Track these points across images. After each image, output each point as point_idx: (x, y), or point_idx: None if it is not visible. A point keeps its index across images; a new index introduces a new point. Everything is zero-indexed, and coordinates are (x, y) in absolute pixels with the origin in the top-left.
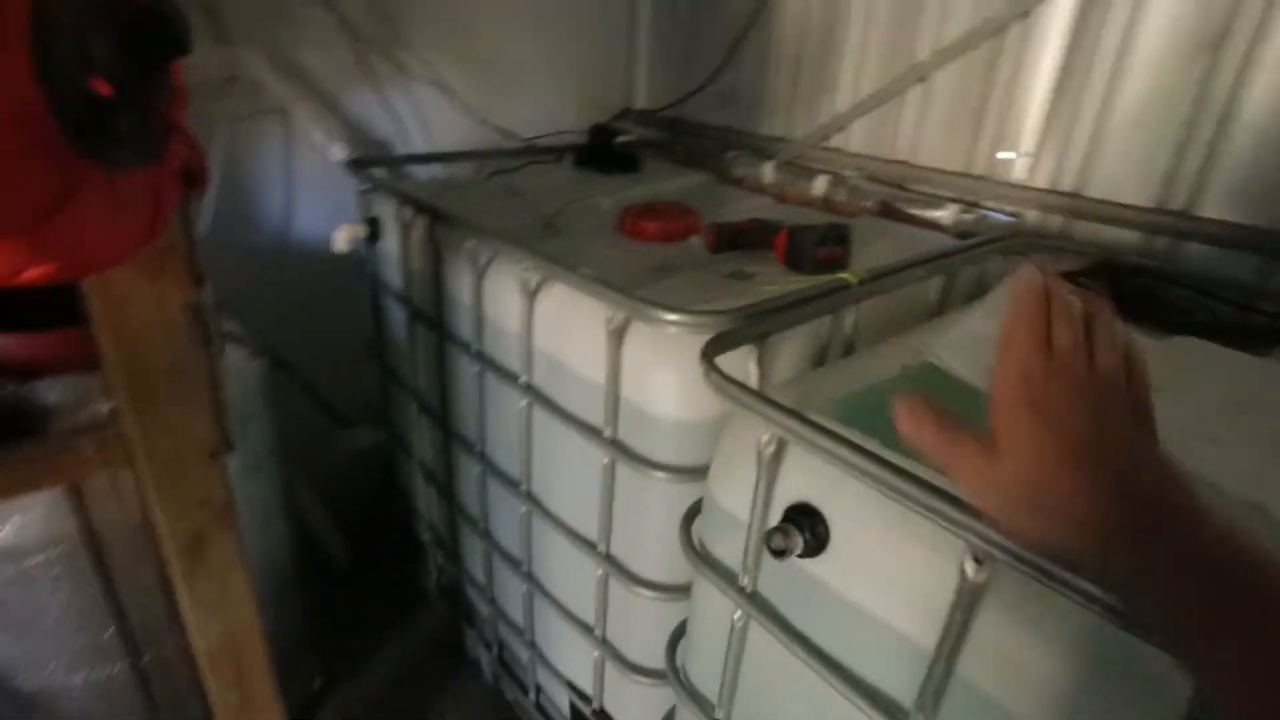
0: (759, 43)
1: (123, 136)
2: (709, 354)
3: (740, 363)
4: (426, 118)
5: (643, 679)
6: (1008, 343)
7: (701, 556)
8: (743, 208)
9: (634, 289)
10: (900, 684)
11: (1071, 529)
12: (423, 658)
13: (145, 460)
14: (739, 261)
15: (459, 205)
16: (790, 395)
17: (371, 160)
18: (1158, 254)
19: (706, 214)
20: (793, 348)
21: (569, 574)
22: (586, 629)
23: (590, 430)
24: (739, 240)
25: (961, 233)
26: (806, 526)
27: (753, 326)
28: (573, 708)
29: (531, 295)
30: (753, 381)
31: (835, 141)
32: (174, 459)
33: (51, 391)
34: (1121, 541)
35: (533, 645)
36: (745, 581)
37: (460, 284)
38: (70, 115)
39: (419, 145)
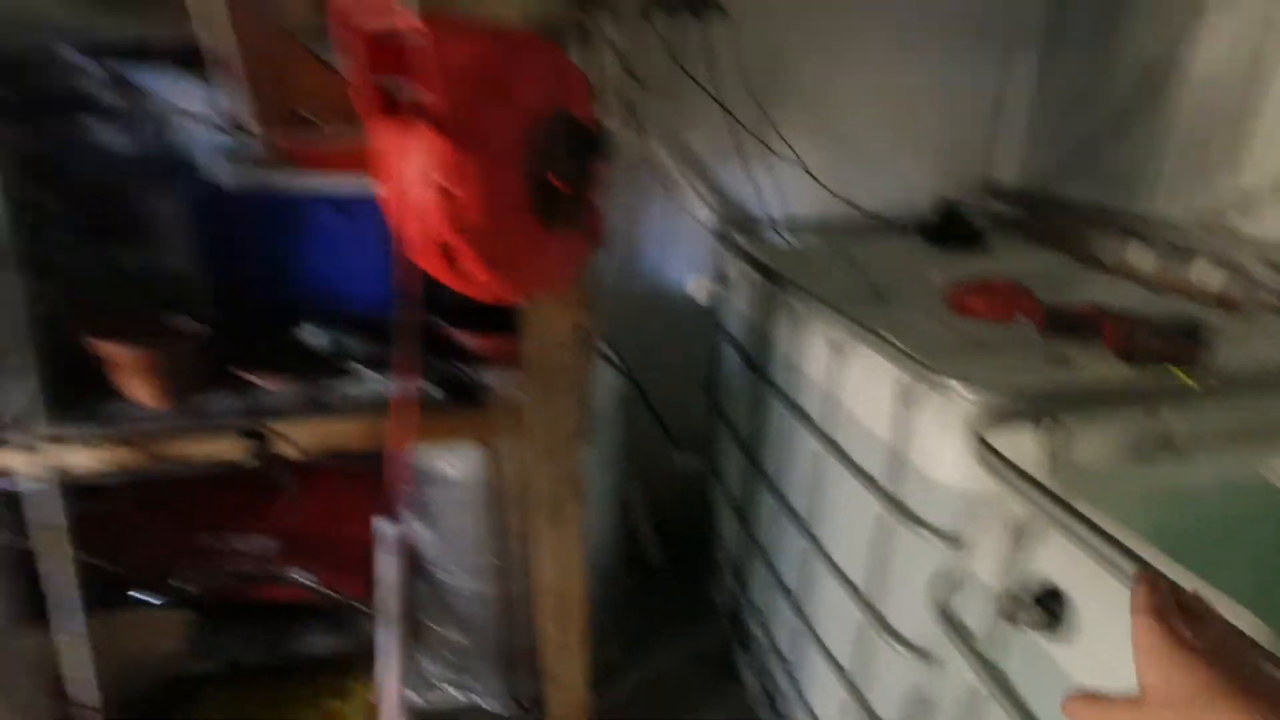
0: (1151, 113)
1: (568, 213)
2: (977, 426)
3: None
4: (785, 189)
5: None
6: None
7: (947, 616)
8: (1098, 292)
9: (943, 360)
10: None
11: None
12: (700, 664)
13: (535, 434)
14: (1068, 347)
15: (795, 268)
16: (1067, 480)
17: (730, 225)
18: None
19: (1052, 296)
20: (1104, 440)
21: (833, 614)
22: (839, 668)
23: (869, 480)
24: (1073, 325)
25: None
26: (1047, 603)
27: (1031, 407)
28: None
29: (838, 351)
30: (1033, 462)
31: (1235, 225)
32: (553, 438)
33: (492, 376)
34: None
35: (791, 677)
36: (984, 647)
37: (781, 335)
38: (539, 200)
39: (777, 214)
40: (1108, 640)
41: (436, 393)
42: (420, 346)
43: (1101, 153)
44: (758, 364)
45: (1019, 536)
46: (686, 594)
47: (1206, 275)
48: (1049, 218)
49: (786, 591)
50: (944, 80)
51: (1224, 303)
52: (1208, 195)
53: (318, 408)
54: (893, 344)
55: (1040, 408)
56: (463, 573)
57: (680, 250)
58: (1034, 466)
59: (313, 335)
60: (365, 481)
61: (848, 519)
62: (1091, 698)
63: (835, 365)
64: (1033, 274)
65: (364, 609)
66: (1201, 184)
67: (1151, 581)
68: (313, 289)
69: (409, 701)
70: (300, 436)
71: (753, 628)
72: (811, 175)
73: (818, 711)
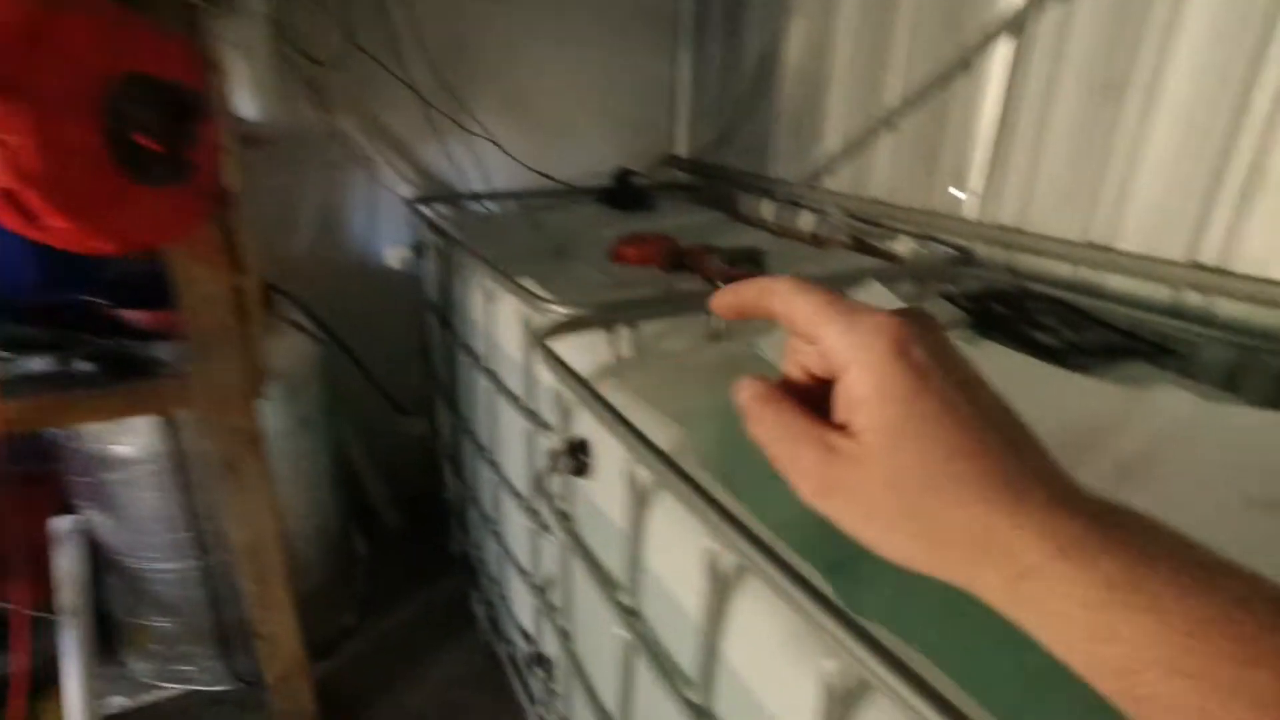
0: (766, 97)
1: (163, 170)
2: (543, 335)
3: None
4: (486, 163)
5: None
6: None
7: (538, 481)
8: (740, 240)
9: (573, 294)
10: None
11: (965, 541)
12: (437, 611)
13: (201, 397)
14: (680, 280)
15: (487, 234)
16: (611, 371)
17: (425, 198)
18: (1082, 285)
19: (702, 244)
20: (672, 345)
21: (516, 529)
22: (525, 573)
23: (513, 398)
24: (684, 262)
25: (916, 264)
26: (578, 454)
27: (595, 316)
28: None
29: (490, 297)
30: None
31: (825, 182)
32: (220, 399)
33: (162, 350)
34: (1049, 550)
35: (503, 597)
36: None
37: (458, 292)
38: (123, 155)
39: (478, 186)
40: (614, 475)
41: (93, 369)
42: (81, 325)
43: (740, 127)
44: (448, 322)
45: (566, 412)
46: (426, 552)
47: (805, 221)
48: (710, 182)
49: (487, 520)
50: (626, 63)
51: (816, 240)
52: (806, 159)
53: None
54: (514, 281)
55: (603, 315)
56: (156, 555)
57: (384, 222)
58: (593, 360)
59: None
60: (37, 482)
61: (513, 441)
62: (777, 406)
63: (489, 308)
64: (692, 228)
65: (46, 616)
66: (801, 151)
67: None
68: None
69: (104, 706)
70: None
71: (474, 565)
72: (501, 149)
73: (523, 623)
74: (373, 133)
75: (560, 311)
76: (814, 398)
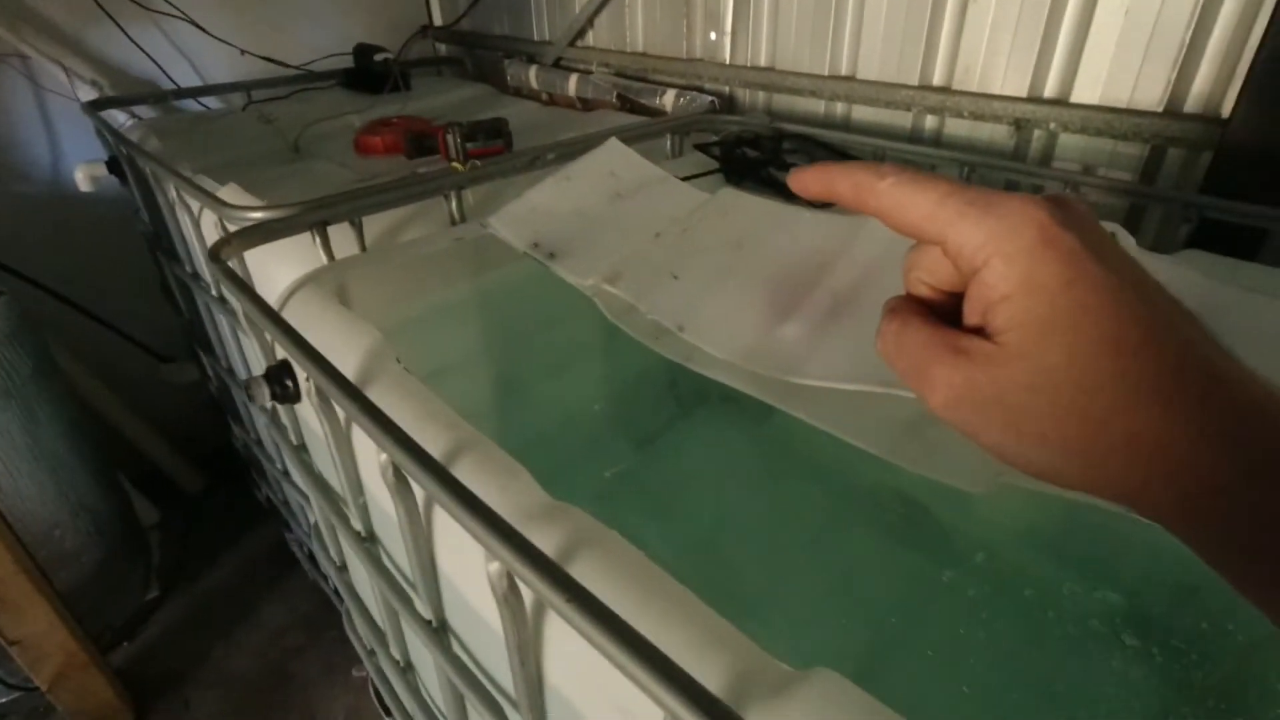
0: None
1: None
2: (218, 249)
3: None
4: (194, 55)
5: None
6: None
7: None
8: (507, 114)
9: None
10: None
11: (1131, 453)
12: (256, 563)
13: None
14: (426, 165)
15: (192, 140)
16: (316, 278)
17: (111, 100)
18: (834, 122)
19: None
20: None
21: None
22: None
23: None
24: (425, 145)
25: (671, 116)
26: (282, 379)
27: (298, 217)
28: None
29: (193, 214)
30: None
31: (589, 40)
32: None
33: None
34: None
35: (308, 535)
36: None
37: (164, 208)
38: None
39: (188, 82)
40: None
41: None
42: None
43: None
44: (171, 249)
45: (256, 332)
46: (234, 505)
47: (572, 86)
48: (473, 53)
49: (270, 460)
50: None
51: (585, 104)
52: (567, 17)
53: None
54: (203, 189)
55: (300, 217)
56: None
57: (67, 138)
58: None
59: None
60: None
61: (256, 362)
62: (919, 321)
63: (197, 228)
64: (454, 106)
65: None
66: (562, 8)
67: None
68: None
69: None
70: None
71: (279, 505)
72: (203, 30)
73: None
74: (13, 19)
75: (252, 218)
76: (945, 314)
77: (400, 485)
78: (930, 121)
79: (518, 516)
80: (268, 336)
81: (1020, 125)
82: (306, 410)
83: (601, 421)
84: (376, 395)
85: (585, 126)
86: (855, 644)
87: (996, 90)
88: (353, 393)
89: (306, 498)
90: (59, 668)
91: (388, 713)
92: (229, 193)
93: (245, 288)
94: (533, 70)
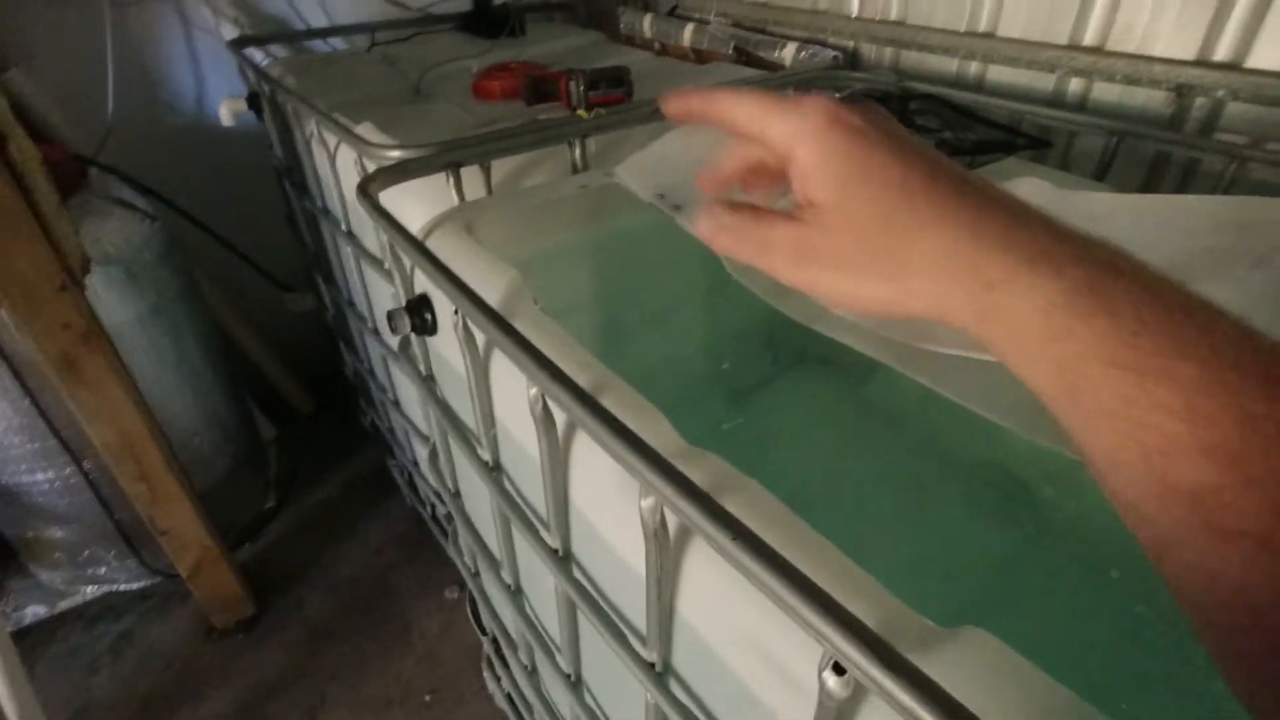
0: None
1: None
2: (365, 185)
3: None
4: None
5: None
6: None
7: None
8: (618, 63)
9: (422, 135)
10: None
11: (930, 267)
12: (357, 485)
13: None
14: (545, 112)
15: (323, 79)
16: (450, 217)
17: (251, 39)
18: (966, 82)
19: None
20: (532, 181)
21: (409, 396)
22: (424, 439)
23: (376, 261)
24: (546, 91)
25: (794, 71)
26: (421, 311)
27: (434, 158)
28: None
29: (331, 151)
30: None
31: None
32: (23, 293)
33: None
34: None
35: (414, 464)
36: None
37: (300, 145)
38: None
39: (316, 23)
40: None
41: None
42: None
43: None
44: (302, 184)
45: (404, 269)
46: (340, 429)
47: (688, 36)
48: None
49: (383, 390)
50: None
51: (699, 56)
52: None
53: None
54: (346, 128)
55: (438, 157)
56: (25, 467)
57: (211, 73)
58: (443, 206)
59: None
60: None
61: (387, 306)
62: (729, 220)
63: (334, 164)
64: (566, 53)
65: None
66: None
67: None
68: None
69: (21, 617)
70: None
71: (384, 435)
72: None
73: (433, 483)
74: None
75: (392, 157)
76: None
77: (545, 418)
78: (1075, 85)
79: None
80: (407, 269)
81: (1182, 92)
82: (438, 343)
83: (699, 375)
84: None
85: (701, 78)
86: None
87: (1159, 52)
88: (505, 327)
89: (412, 426)
90: (197, 559)
91: (483, 632)
92: (365, 130)
93: (394, 223)
94: (648, 18)
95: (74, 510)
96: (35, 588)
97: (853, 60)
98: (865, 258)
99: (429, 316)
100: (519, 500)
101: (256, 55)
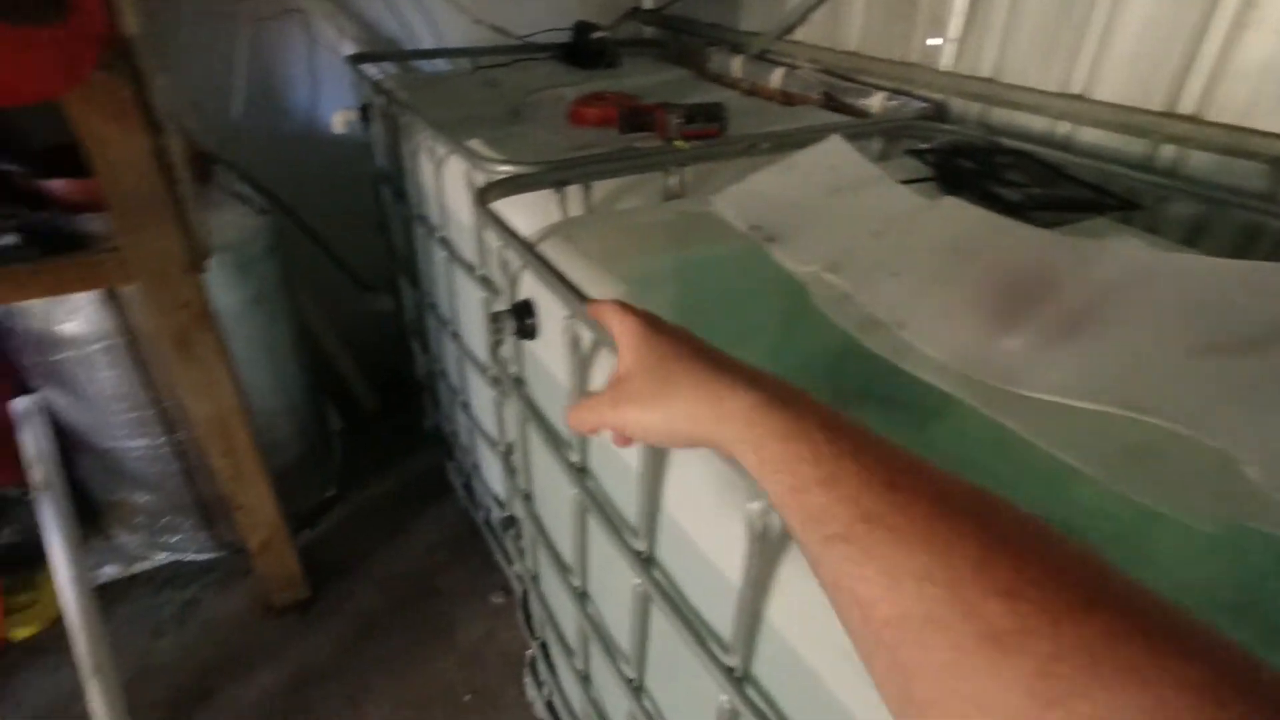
0: None
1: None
2: (484, 193)
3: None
4: (436, 19)
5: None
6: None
7: (494, 349)
8: (710, 100)
9: (525, 155)
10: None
11: (694, 400)
12: (415, 483)
13: (136, 271)
14: (639, 141)
15: (430, 95)
16: (556, 231)
17: (368, 56)
18: (1055, 141)
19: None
20: (627, 204)
21: (480, 396)
22: (492, 442)
23: (467, 265)
24: (641, 122)
25: (884, 119)
26: (524, 316)
27: (540, 175)
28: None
29: (437, 161)
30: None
31: (799, 35)
32: (156, 271)
33: (90, 223)
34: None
35: (475, 467)
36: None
37: (408, 158)
38: None
39: (426, 44)
40: (558, 335)
41: (17, 242)
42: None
43: None
44: (401, 190)
45: (511, 274)
46: (402, 429)
47: (775, 79)
48: (678, 37)
49: (455, 392)
50: None
51: (787, 98)
52: (778, 10)
53: None
54: (459, 143)
55: (548, 174)
56: (123, 433)
57: (327, 84)
58: (543, 222)
59: None
60: None
61: (473, 311)
62: (580, 403)
63: (438, 174)
64: (656, 87)
65: (22, 495)
66: (776, 4)
67: (614, 304)
68: None
69: (97, 576)
70: None
71: (448, 438)
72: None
73: (494, 489)
74: None
75: (504, 171)
76: None
77: None
78: (1168, 151)
79: None
80: (514, 273)
81: None
82: (534, 345)
83: None
84: None
85: (790, 120)
86: None
87: (1260, 125)
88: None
89: (480, 430)
90: (265, 537)
91: (533, 636)
92: (477, 145)
93: (512, 231)
94: (737, 60)
95: (159, 479)
96: (112, 549)
97: (940, 112)
98: (651, 397)
99: (530, 321)
100: (606, 503)
101: (371, 71)
